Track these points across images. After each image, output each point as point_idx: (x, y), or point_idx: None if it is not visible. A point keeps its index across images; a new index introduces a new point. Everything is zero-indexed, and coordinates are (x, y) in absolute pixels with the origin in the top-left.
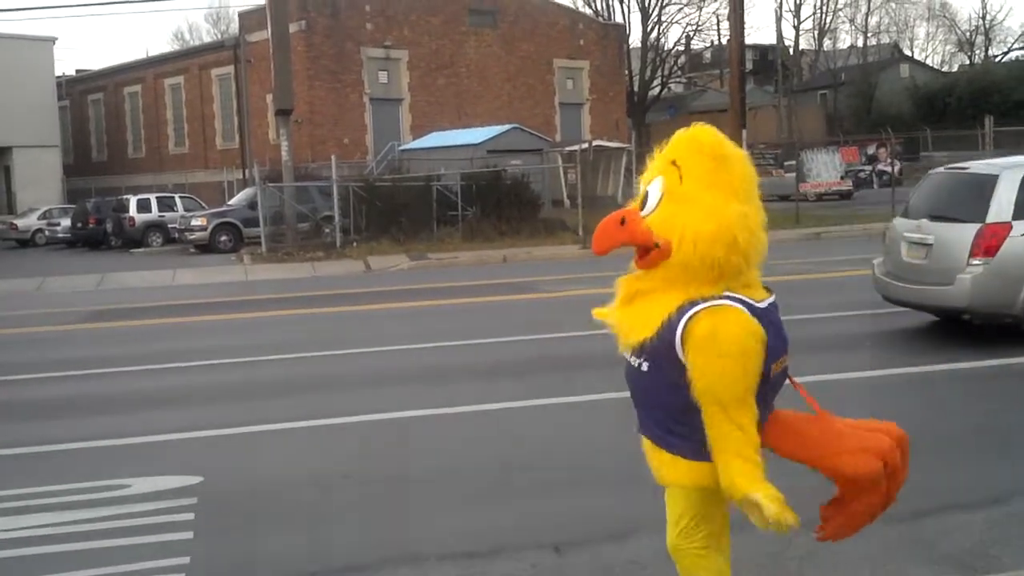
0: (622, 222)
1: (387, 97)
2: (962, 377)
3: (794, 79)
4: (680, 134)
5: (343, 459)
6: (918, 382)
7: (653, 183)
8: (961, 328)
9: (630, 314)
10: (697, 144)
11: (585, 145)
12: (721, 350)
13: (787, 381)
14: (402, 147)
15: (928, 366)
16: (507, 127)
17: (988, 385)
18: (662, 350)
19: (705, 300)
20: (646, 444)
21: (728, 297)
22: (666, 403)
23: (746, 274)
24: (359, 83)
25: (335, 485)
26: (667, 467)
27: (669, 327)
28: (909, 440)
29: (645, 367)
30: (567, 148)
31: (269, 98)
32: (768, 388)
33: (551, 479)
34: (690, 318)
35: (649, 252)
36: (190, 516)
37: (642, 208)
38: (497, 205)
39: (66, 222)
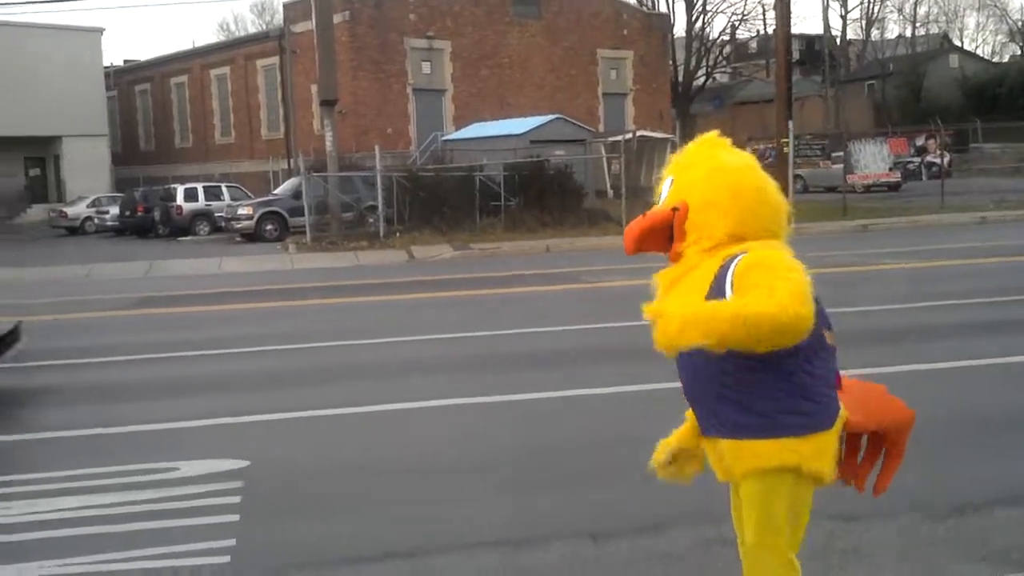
0: (643, 216)
1: (430, 88)
2: (1013, 370)
3: (841, 69)
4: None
5: (384, 446)
6: (964, 375)
7: (664, 184)
8: (1010, 324)
9: (674, 296)
10: (696, 140)
11: (629, 135)
12: (770, 263)
13: None
14: (445, 137)
15: (975, 360)
16: (550, 117)
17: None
18: None
19: (743, 251)
20: (713, 445)
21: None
22: (738, 379)
23: (773, 227)
24: (403, 73)
25: (375, 472)
26: (745, 454)
27: (719, 280)
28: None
29: None
30: (611, 139)
31: (314, 88)
32: (829, 358)
33: (587, 469)
34: (737, 262)
35: (672, 237)
36: (236, 499)
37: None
38: (540, 195)
39: (115, 210)
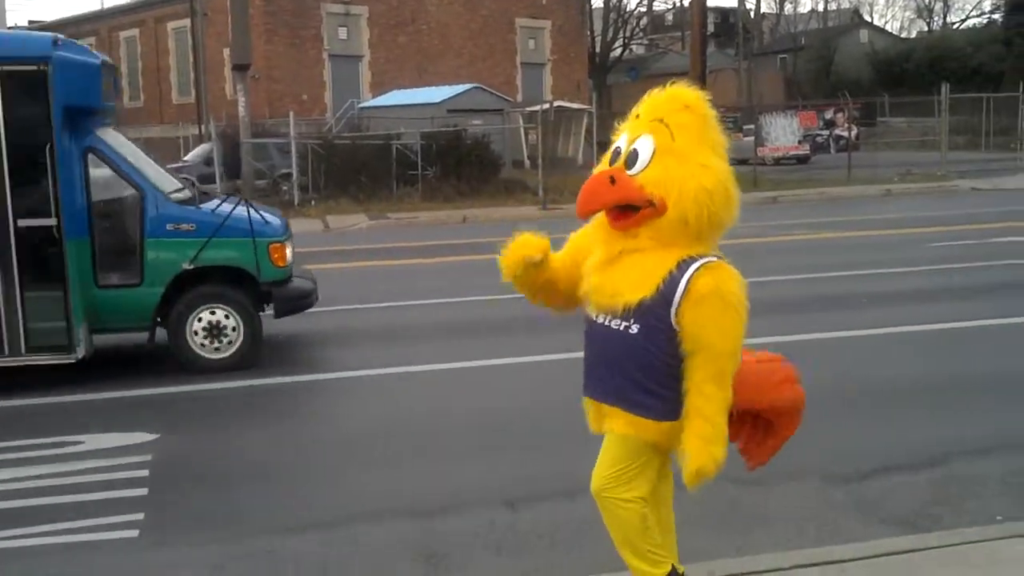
0: (612, 181)
1: (347, 54)
2: (907, 339)
3: (755, 43)
4: (660, 93)
5: (297, 417)
6: (864, 343)
7: (640, 141)
8: (912, 294)
9: (616, 275)
10: (683, 102)
11: (546, 106)
12: (727, 303)
13: None
14: (362, 105)
15: (875, 329)
16: (468, 87)
17: (930, 346)
18: (658, 309)
19: (702, 256)
20: (597, 407)
21: (716, 257)
22: (650, 365)
23: (717, 237)
24: (318, 39)
25: (286, 444)
26: (627, 424)
27: (671, 283)
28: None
29: (635, 329)
30: (528, 109)
31: (227, 52)
32: None
33: (505, 438)
34: (693, 273)
35: (635, 212)
36: (144, 473)
37: (627, 168)
38: (457, 165)
39: None
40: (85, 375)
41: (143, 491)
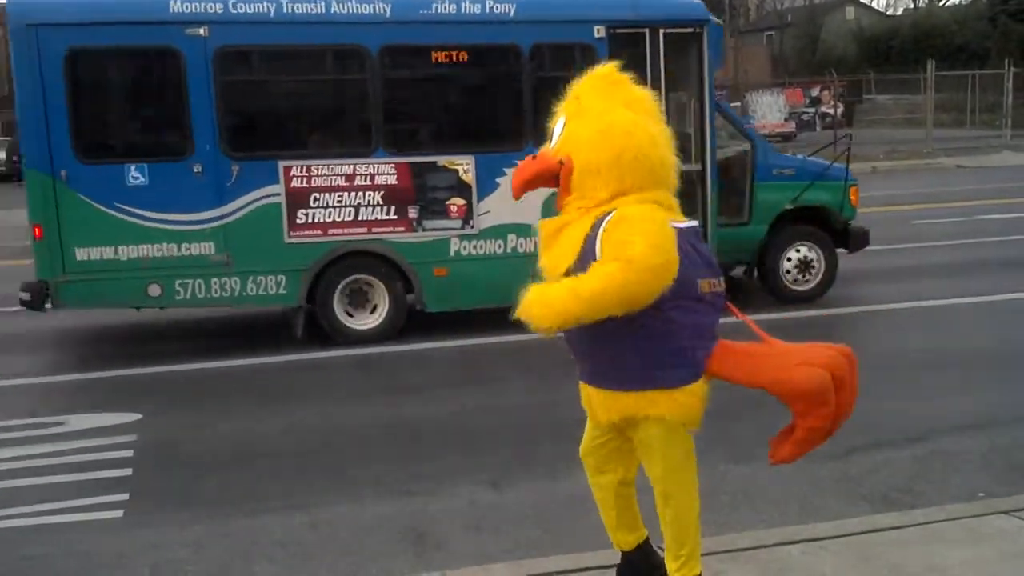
0: (533, 158)
1: None
2: (890, 316)
3: (741, 20)
4: (581, 77)
5: (282, 399)
6: (847, 320)
7: (558, 121)
8: (892, 271)
9: (552, 253)
10: (592, 74)
11: None
12: (630, 218)
13: (732, 315)
14: None
15: (858, 306)
16: None
17: (913, 323)
18: (584, 270)
19: (613, 210)
20: (584, 387)
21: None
22: (600, 332)
23: (653, 189)
24: None
25: (272, 425)
26: (614, 404)
27: (589, 243)
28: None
29: None
30: None
31: None
32: (704, 309)
33: (489, 419)
34: (607, 222)
35: (560, 181)
36: (129, 453)
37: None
38: None
39: None
40: (70, 355)
41: (127, 471)
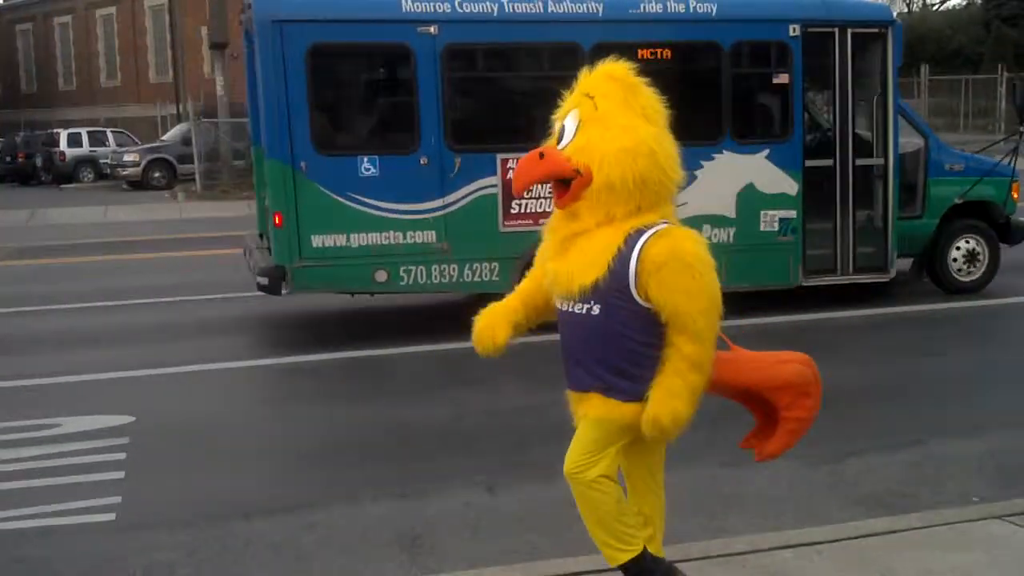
0: (540, 156)
1: None
2: (883, 320)
3: None
4: (591, 70)
5: (278, 400)
6: (842, 328)
7: (568, 117)
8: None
9: (569, 260)
10: (608, 74)
11: None
12: (685, 263)
13: None
14: None
15: (850, 311)
16: None
17: (906, 328)
18: (615, 287)
19: (649, 227)
20: (577, 397)
21: (665, 223)
22: (618, 345)
23: (665, 207)
24: None
25: (264, 427)
26: (601, 405)
27: (622, 260)
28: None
29: (596, 310)
30: None
31: (204, 31)
32: None
33: (482, 422)
34: (644, 244)
35: (569, 186)
36: (122, 456)
37: (558, 144)
38: None
39: None
40: (63, 357)
41: (120, 474)
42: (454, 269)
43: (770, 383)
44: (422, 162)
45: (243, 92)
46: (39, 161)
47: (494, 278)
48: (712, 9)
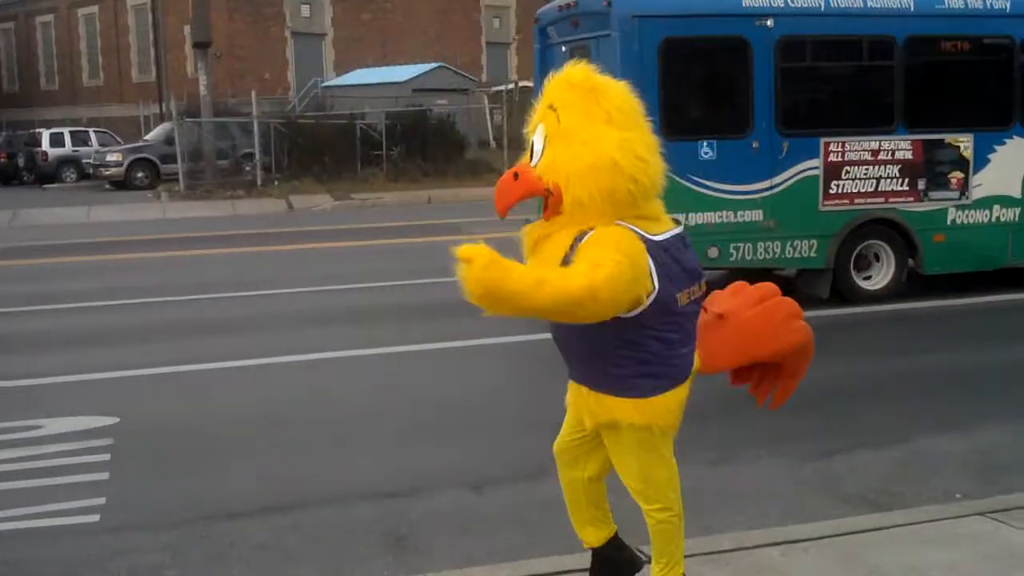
0: (515, 177)
1: (309, 32)
2: (872, 319)
3: None
4: (551, 78)
5: (262, 400)
6: (830, 326)
7: (536, 133)
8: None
9: (535, 262)
10: (567, 81)
11: (511, 86)
12: (601, 236)
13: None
14: (325, 84)
15: (838, 309)
16: (432, 66)
17: (893, 328)
18: None
19: (592, 229)
20: (578, 390)
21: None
22: (589, 342)
23: (643, 206)
24: (280, 16)
25: (250, 427)
26: (603, 408)
27: (566, 261)
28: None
29: None
30: (493, 88)
31: (187, 30)
32: (683, 320)
33: (469, 421)
34: (584, 240)
35: (548, 201)
36: (106, 457)
37: (531, 160)
38: (422, 145)
39: None
40: (46, 357)
41: (104, 475)
42: (777, 246)
43: (786, 349)
44: (754, 146)
45: (225, 92)
46: (21, 161)
47: (812, 254)
48: (1007, 5)
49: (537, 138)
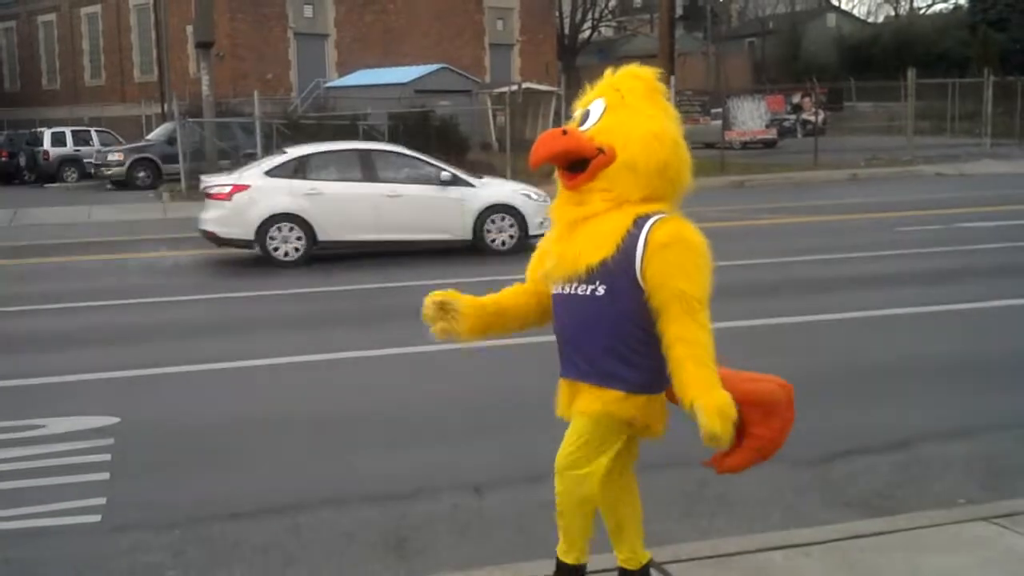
0: (563, 133)
1: (312, 32)
2: (873, 323)
3: (723, 26)
4: (618, 70)
5: (263, 401)
6: (832, 327)
7: (594, 104)
8: (878, 278)
9: (577, 241)
10: (636, 73)
11: (514, 87)
12: (689, 246)
13: None
14: (327, 84)
15: (843, 313)
16: (436, 67)
17: (896, 330)
18: (622, 268)
19: (655, 213)
20: (570, 387)
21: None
22: (621, 329)
23: (673, 200)
24: (283, 16)
25: (251, 427)
26: (597, 399)
27: (630, 240)
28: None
29: (601, 291)
30: (496, 90)
31: (189, 30)
32: None
33: (469, 423)
34: (652, 226)
35: (583, 168)
36: (107, 457)
37: (580, 126)
38: (425, 146)
39: None
40: (48, 357)
41: (105, 475)
42: None
43: (740, 398)
44: None
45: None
46: (22, 160)
47: None
48: None
49: (595, 107)
